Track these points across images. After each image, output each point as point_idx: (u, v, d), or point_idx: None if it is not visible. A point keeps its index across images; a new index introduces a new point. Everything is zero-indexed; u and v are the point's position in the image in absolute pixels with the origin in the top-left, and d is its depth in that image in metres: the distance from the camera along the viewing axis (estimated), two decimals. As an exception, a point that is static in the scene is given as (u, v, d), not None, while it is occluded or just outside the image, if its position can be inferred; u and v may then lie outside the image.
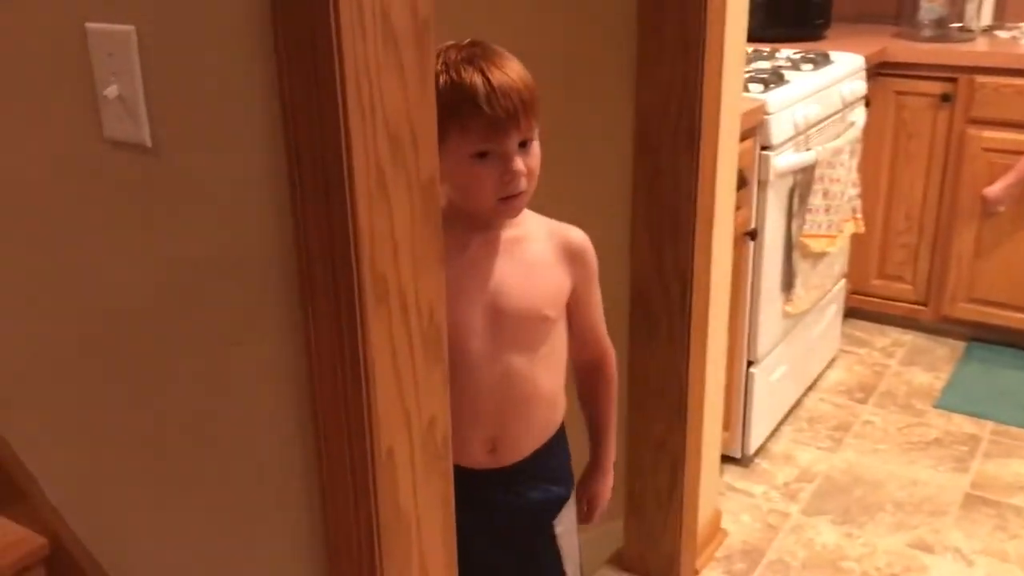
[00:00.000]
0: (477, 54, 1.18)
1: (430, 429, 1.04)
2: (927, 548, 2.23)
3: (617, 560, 2.18)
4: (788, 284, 2.55)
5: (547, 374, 1.33)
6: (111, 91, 1.00)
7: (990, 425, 2.72)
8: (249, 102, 0.91)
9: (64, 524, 1.38)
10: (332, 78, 0.84)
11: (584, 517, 1.53)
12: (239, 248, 0.99)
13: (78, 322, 1.22)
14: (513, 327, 1.28)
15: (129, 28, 0.97)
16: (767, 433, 2.66)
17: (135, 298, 1.13)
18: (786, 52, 2.85)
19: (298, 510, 1.07)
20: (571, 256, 1.33)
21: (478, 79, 1.15)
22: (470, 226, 1.26)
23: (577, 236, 1.34)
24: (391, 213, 0.91)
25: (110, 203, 1.10)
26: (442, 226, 1.10)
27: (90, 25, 1.01)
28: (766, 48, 2.91)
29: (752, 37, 3.06)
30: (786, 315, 2.58)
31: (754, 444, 2.58)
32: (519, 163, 1.18)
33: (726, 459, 2.54)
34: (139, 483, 1.26)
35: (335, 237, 0.89)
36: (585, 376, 1.47)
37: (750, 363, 2.49)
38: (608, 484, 1.53)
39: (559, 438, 1.40)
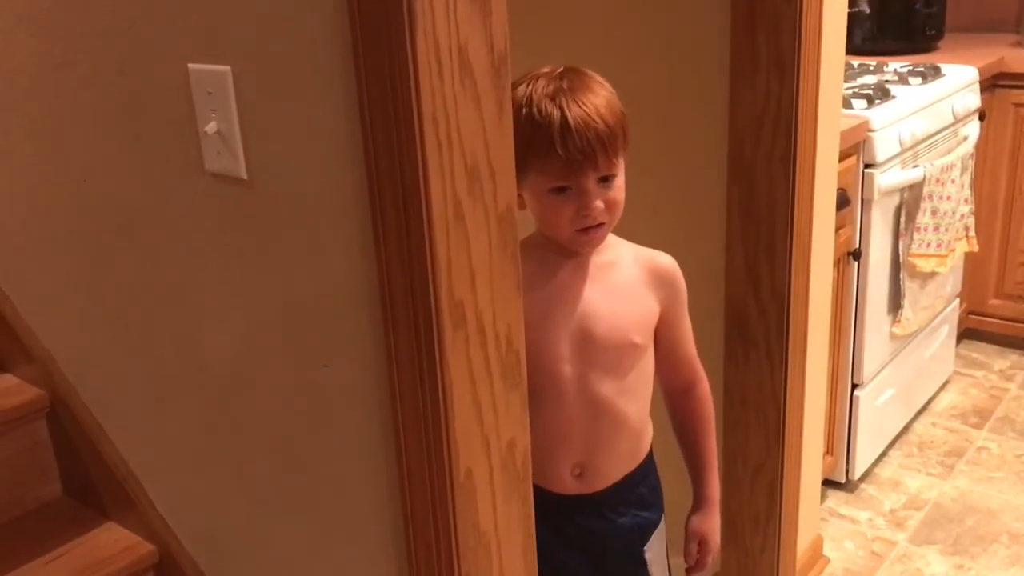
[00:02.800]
0: (563, 88, 1.17)
1: (509, 451, 1.05)
2: (1046, 583, 2.12)
3: (714, 584, 2.15)
4: (895, 305, 2.47)
5: (634, 401, 1.33)
6: (211, 127, 1.06)
7: (1118, 454, 2.57)
8: (334, 138, 0.96)
9: (171, 533, 1.45)
10: (410, 114, 0.87)
11: (697, 563, 1.46)
12: (325, 276, 1.04)
13: (177, 345, 1.29)
14: (601, 353, 1.28)
15: (226, 68, 1.03)
16: (874, 458, 2.58)
17: (232, 323, 1.19)
18: (894, 66, 2.77)
19: (381, 529, 1.10)
20: (659, 281, 1.33)
21: (556, 116, 1.15)
22: (559, 252, 1.27)
23: (665, 261, 1.34)
24: (468, 243, 0.94)
25: (210, 232, 1.16)
26: (531, 251, 1.13)
27: (192, 66, 1.07)
28: (873, 62, 2.84)
29: (859, 51, 3.01)
30: (894, 337, 2.50)
31: (859, 469, 2.50)
32: (596, 201, 1.18)
33: (830, 484, 2.48)
34: (235, 499, 1.32)
35: (414, 266, 0.92)
36: (678, 403, 1.44)
37: (855, 386, 2.42)
38: (716, 522, 1.46)
39: (647, 463, 1.40)
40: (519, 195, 1.19)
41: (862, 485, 2.53)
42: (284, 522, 1.26)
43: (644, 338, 1.32)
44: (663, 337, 1.36)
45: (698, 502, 1.46)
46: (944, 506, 2.42)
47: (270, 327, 1.14)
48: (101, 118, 1.24)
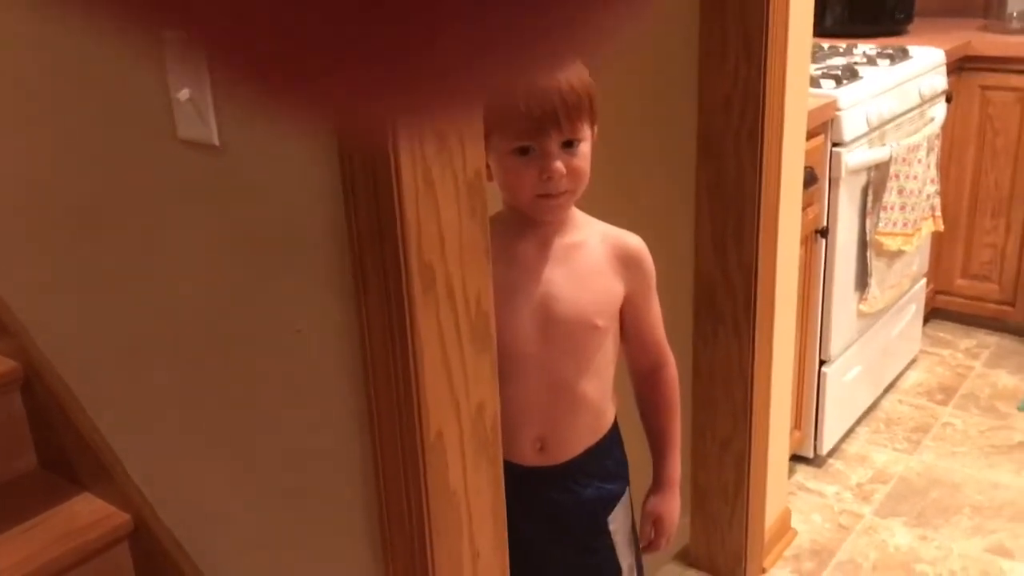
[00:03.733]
0: None
1: (479, 414, 1.08)
2: (1006, 553, 2.18)
3: (683, 556, 2.19)
4: (863, 283, 2.52)
5: (595, 382, 1.34)
6: (183, 94, 1.08)
7: (1078, 430, 2.63)
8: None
9: (147, 502, 1.47)
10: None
11: (651, 543, 1.47)
12: (297, 242, 1.06)
13: (150, 313, 1.31)
14: (562, 334, 1.29)
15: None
16: (841, 433, 2.62)
17: (205, 291, 1.20)
18: (863, 48, 2.81)
19: (353, 490, 1.13)
20: (626, 263, 1.33)
21: None
22: (524, 231, 1.28)
23: (632, 241, 1.34)
24: (437, 207, 0.96)
25: (182, 199, 1.18)
26: (497, 229, 1.14)
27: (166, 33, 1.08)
28: (843, 44, 2.88)
29: (830, 33, 3.05)
30: (861, 314, 2.55)
31: (827, 444, 2.55)
32: (558, 163, 1.18)
33: (798, 459, 2.53)
34: (209, 466, 1.34)
35: (384, 229, 0.95)
36: (643, 386, 1.44)
37: (823, 362, 2.47)
38: (675, 505, 1.46)
39: (610, 437, 1.42)
40: (486, 165, 1.20)
41: (830, 460, 2.58)
42: (258, 487, 1.28)
43: (607, 320, 1.33)
44: (629, 319, 1.37)
45: (657, 483, 1.47)
46: (909, 480, 2.48)
47: (242, 293, 1.16)
48: (74, 87, 1.25)
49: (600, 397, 1.36)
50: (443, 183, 0.97)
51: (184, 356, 1.29)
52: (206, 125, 1.08)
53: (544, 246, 1.28)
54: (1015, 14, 3.11)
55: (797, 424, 2.44)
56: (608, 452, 1.41)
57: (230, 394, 1.25)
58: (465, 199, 0.99)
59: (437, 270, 0.98)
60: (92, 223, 1.34)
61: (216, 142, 1.08)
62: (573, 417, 1.34)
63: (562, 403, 1.32)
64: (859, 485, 2.47)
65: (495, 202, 1.19)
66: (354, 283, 1.00)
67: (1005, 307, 3.12)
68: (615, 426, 1.42)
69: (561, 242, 1.29)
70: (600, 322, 1.31)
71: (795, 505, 2.36)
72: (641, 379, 1.44)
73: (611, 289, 1.32)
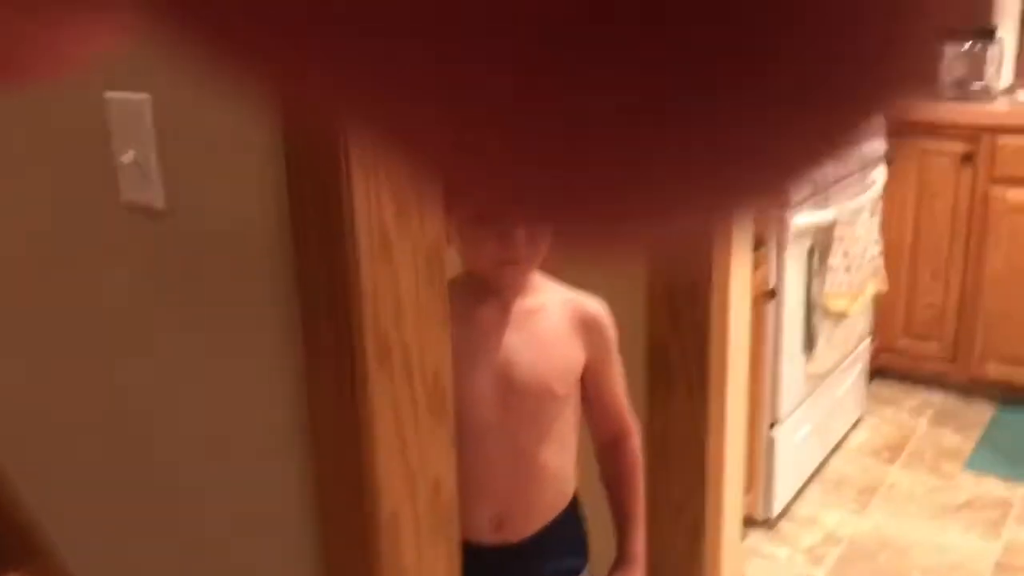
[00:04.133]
0: None
1: (435, 491, 1.03)
2: (958, 616, 2.17)
3: (637, 626, 2.13)
4: (810, 344, 2.53)
5: (556, 452, 1.29)
6: (128, 157, 1.03)
7: (1021, 490, 2.65)
8: (256, 166, 0.93)
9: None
10: (336, 139, 0.86)
11: None
12: (247, 308, 1.01)
13: (90, 382, 1.24)
14: (522, 402, 1.26)
15: (144, 96, 1.00)
16: (792, 495, 2.61)
17: (150, 356, 1.14)
18: (805, 112, 2.86)
19: (302, 570, 1.06)
20: (586, 327, 1.30)
21: None
22: (483, 295, 1.25)
23: (593, 306, 1.31)
24: (395, 275, 0.92)
25: (126, 263, 1.12)
26: (454, 294, 1.10)
27: (109, 94, 1.04)
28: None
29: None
30: (809, 375, 2.55)
31: (778, 506, 2.53)
32: (518, 232, 1.15)
33: (749, 522, 2.50)
34: (148, 540, 1.26)
35: (337, 298, 0.90)
36: (606, 455, 1.40)
37: (772, 424, 2.46)
38: None
39: (571, 511, 1.37)
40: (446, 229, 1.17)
41: (781, 522, 2.56)
42: (201, 570, 1.21)
43: (566, 388, 1.29)
44: (590, 386, 1.33)
45: (620, 558, 1.41)
46: (860, 542, 2.46)
47: (189, 359, 1.10)
48: (18, 148, 1.19)
49: (561, 468, 1.32)
50: (401, 250, 0.93)
51: (122, 431, 1.22)
52: (150, 188, 1.03)
53: (503, 311, 1.25)
54: (950, 82, 3.21)
55: (749, 486, 2.42)
56: (568, 527, 1.36)
57: (171, 471, 1.18)
58: (424, 267, 0.96)
59: (393, 342, 0.93)
60: (35, 287, 1.27)
61: (161, 205, 1.03)
62: (533, 490, 1.30)
63: (521, 475, 1.28)
64: (811, 548, 2.45)
65: (454, 263, 1.15)
66: (306, 355, 0.95)
67: (946, 365, 3.16)
68: (575, 499, 1.38)
69: (521, 306, 1.26)
70: (560, 390, 1.27)
71: (748, 570, 2.33)
72: (603, 449, 1.40)
73: (571, 355, 1.29)
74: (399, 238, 0.93)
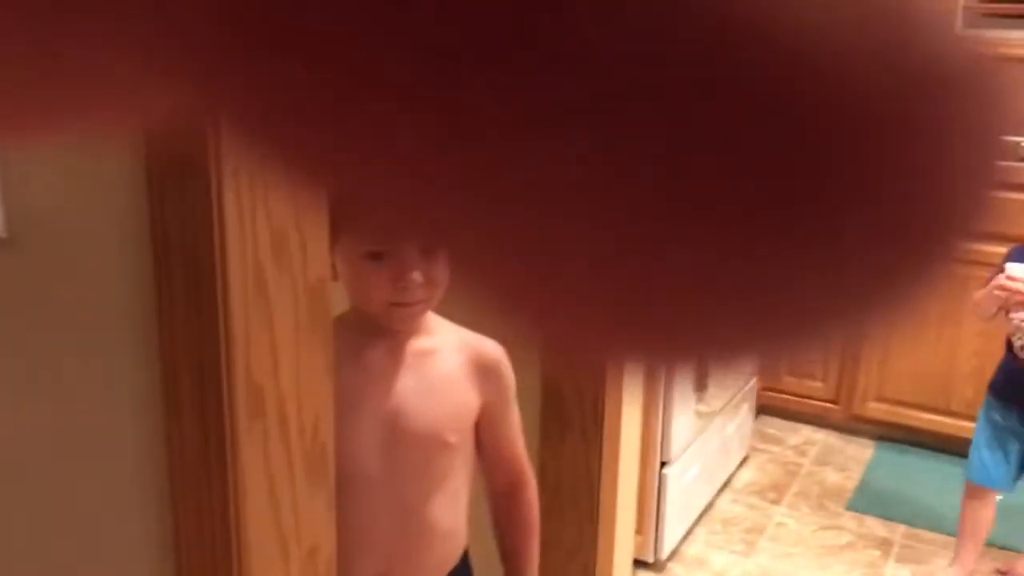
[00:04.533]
0: None
1: (311, 558, 0.92)
2: (843, 660, 2.16)
3: (524, 678, 2.04)
4: (701, 383, 2.50)
5: (446, 505, 1.20)
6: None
7: (901, 528, 2.69)
8: (113, 190, 0.81)
9: None
10: (205, 164, 0.75)
11: None
12: (97, 351, 0.88)
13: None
14: (410, 452, 1.16)
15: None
16: (681, 536, 2.57)
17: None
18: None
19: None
20: (483, 372, 1.21)
21: None
22: (373, 334, 1.14)
23: (491, 349, 1.22)
24: (271, 318, 0.82)
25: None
26: (342, 332, 0.99)
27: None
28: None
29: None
30: (699, 414, 2.53)
31: (667, 548, 2.49)
32: (415, 272, 1.06)
33: (639, 564, 2.45)
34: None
35: (204, 345, 0.79)
36: (500, 505, 1.32)
37: (663, 464, 2.42)
38: None
39: (462, 567, 1.28)
40: (331, 263, 1.07)
41: (670, 564, 2.52)
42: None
43: (460, 437, 1.20)
44: (485, 434, 1.24)
45: None
46: (747, 584, 2.44)
47: (37, 412, 0.95)
48: None
49: (451, 524, 1.22)
50: (279, 289, 0.82)
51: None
52: (-15, 209, 0.89)
53: (394, 353, 1.15)
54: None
55: (639, 528, 2.37)
56: (458, 583, 1.26)
57: (10, 540, 1.03)
58: (305, 308, 0.85)
59: (268, 394, 0.82)
60: None
61: (3, 234, 0.90)
62: (421, 548, 1.19)
63: (409, 532, 1.17)
64: (699, 591, 2.41)
65: (340, 300, 1.05)
66: (166, 409, 0.83)
67: (829, 405, 3.20)
68: (466, 554, 1.28)
69: (413, 348, 1.16)
70: (452, 438, 1.18)
71: (637, 615, 2.28)
72: (498, 498, 1.31)
73: (466, 401, 1.20)
74: (276, 275, 0.82)
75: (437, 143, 0.11)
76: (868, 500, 2.84)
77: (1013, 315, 2.17)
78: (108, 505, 0.92)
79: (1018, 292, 2.10)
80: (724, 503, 2.82)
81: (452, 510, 1.21)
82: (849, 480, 2.96)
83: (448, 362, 1.18)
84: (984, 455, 2.34)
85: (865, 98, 0.11)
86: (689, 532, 2.64)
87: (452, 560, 1.24)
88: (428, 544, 1.20)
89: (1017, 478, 2.35)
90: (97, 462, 0.91)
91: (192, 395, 0.81)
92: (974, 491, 2.38)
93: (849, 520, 2.74)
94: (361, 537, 1.15)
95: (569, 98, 0.10)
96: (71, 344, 0.89)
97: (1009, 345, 2.27)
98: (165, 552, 0.89)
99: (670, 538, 2.49)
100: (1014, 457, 2.32)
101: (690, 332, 0.12)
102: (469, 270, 0.12)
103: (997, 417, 2.32)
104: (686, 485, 2.53)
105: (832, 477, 2.99)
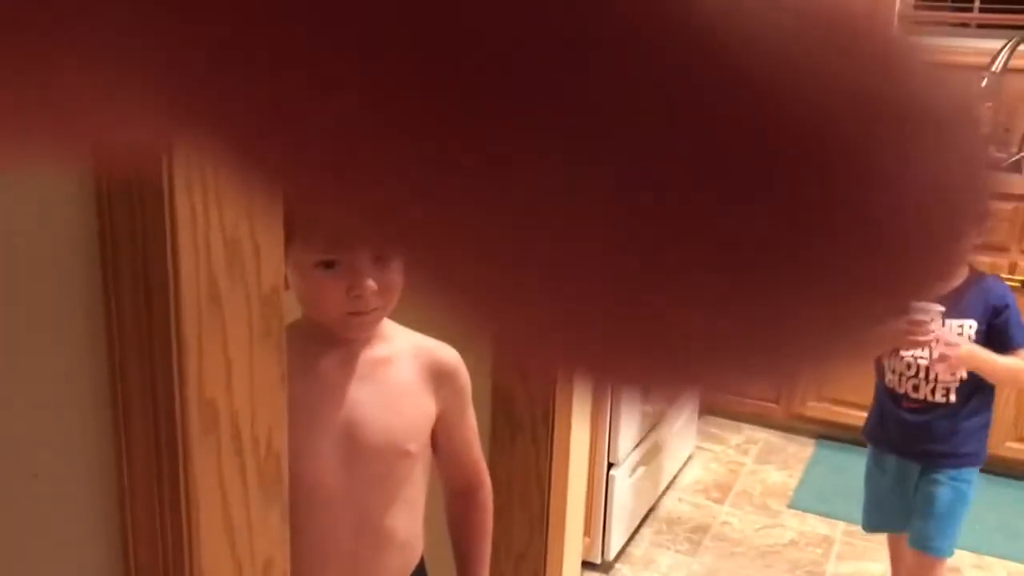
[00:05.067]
0: None
1: (266, 573, 0.90)
2: (787, 657, 2.19)
3: None
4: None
5: (404, 515, 1.19)
6: None
7: (841, 526, 2.74)
8: (62, 198, 0.78)
9: None
10: (158, 172, 0.73)
11: None
12: (38, 364, 0.84)
13: None
14: (369, 463, 1.13)
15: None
16: (627, 536, 2.59)
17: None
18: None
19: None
20: (439, 379, 1.20)
21: None
22: (326, 343, 1.12)
23: (447, 354, 1.20)
24: (224, 329, 0.79)
25: None
26: (294, 341, 0.97)
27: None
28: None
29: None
30: (645, 415, 2.55)
31: (614, 548, 2.50)
32: (369, 281, 1.04)
33: (586, 565, 2.46)
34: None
35: (155, 357, 0.76)
36: (455, 506, 1.31)
37: (611, 465, 2.43)
38: None
39: (418, 575, 1.27)
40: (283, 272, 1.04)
41: (617, 565, 2.53)
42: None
43: (420, 445, 1.18)
44: (442, 438, 1.23)
45: None
46: (693, 584, 2.47)
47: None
48: None
49: (409, 532, 1.20)
50: (232, 299, 0.80)
51: None
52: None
53: (348, 362, 1.12)
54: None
55: (586, 529, 2.38)
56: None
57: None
58: (259, 318, 0.83)
59: (221, 406, 0.80)
60: None
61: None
62: (379, 558, 1.18)
63: (367, 543, 1.16)
64: (646, 591, 2.43)
65: (292, 309, 1.02)
66: (113, 423, 0.80)
67: (770, 404, 3.25)
68: (422, 562, 1.27)
69: (368, 357, 1.14)
70: (412, 447, 1.16)
71: (585, 617, 2.28)
72: (454, 500, 1.31)
73: (424, 410, 1.18)
74: (229, 285, 0.80)
75: (402, 155, 0.11)
76: (809, 498, 2.89)
77: (904, 352, 1.91)
78: (58, 522, 0.88)
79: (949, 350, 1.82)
80: (670, 502, 2.85)
81: (410, 518, 1.20)
82: (791, 479, 3.01)
83: (404, 370, 1.17)
84: (871, 502, 2.11)
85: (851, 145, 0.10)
86: (635, 532, 2.66)
87: (408, 568, 1.23)
88: (387, 554, 1.18)
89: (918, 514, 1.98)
90: (46, 482, 0.88)
91: (143, 410, 0.79)
92: (891, 541, 2.12)
93: (791, 519, 2.78)
94: (319, 550, 1.12)
95: (546, 121, 0.10)
96: (17, 358, 0.86)
97: (880, 372, 1.99)
98: (116, 569, 0.86)
99: (617, 539, 2.51)
100: (896, 501, 2.02)
101: (695, 364, 0.13)
102: (430, 279, 0.12)
103: (875, 466, 2.06)
104: (632, 485, 2.54)
105: (774, 476, 3.03)
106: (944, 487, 1.93)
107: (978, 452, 1.95)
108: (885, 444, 2.01)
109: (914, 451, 1.95)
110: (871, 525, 2.14)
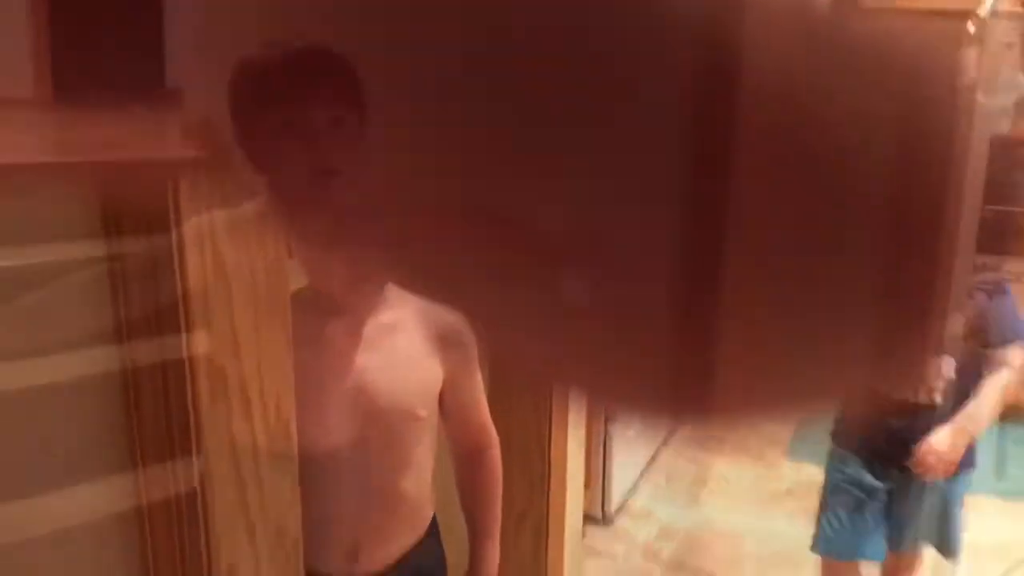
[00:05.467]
0: None
1: (278, 539, 0.91)
2: (788, 603, 2.23)
3: (480, 637, 2.06)
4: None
5: (414, 477, 1.19)
6: None
7: (838, 473, 2.78)
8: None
9: None
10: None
11: None
12: (52, 330, 0.84)
13: None
14: (379, 429, 1.13)
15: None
16: (627, 490, 2.62)
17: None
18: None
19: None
20: (445, 342, 1.19)
21: None
22: (331, 311, 1.11)
23: (451, 317, 1.18)
24: (231, 298, 0.80)
25: None
26: (299, 311, 0.96)
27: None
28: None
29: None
30: (643, 370, 2.57)
31: (615, 502, 2.53)
32: (373, 251, 1.01)
33: (587, 519, 2.49)
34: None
35: (162, 327, 0.77)
36: (465, 467, 1.32)
37: (609, 418, 2.45)
38: None
39: (430, 535, 1.28)
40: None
41: (617, 518, 2.56)
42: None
43: (429, 409, 1.19)
44: (450, 401, 1.23)
45: (473, 573, 1.33)
46: (694, 534, 2.50)
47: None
48: None
49: (419, 494, 1.21)
50: (238, 268, 0.80)
51: None
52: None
53: (355, 329, 1.12)
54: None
55: (587, 484, 2.40)
56: (427, 552, 1.26)
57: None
58: (264, 286, 0.83)
59: (230, 374, 0.81)
60: None
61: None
62: (390, 519, 1.19)
63: (378, 505, 1.16)
64: (647, 543, 2.46)
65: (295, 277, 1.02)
66: (123, 393, 0.81)
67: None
68: (434, 521, 1.28)
69: (373, 324, 1.13)
70: (421, 411, 1.16)
71: (587, 567, 2.31)
72: (463, 461, 1.32)
73: (431, 374, 1.19)
74: (235, 255, 0.80)
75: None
76: (805, 448, 2.92)
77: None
78: (74, 491, 0.89)
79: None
80: (667, 456, 2.88)
81: (419, 482, 1.21)
82: (785, 429, 3.04)
83: (410, 335, 1.17)
84: (839, 520, 1.88)
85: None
86: (635, 486, 2.69)
87: (419, 529, 1.25)
88: (397, 516, 1.19)
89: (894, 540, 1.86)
90: (59, 453, 0.89)
91: (151, 377, 0.79)
92: (834, 570, 1.91)
93: (788, 468, 2.82)
94: (330, 515, 1.13)
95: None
96: (32, 332, 0.86)
97: None
98: (132, 536, 0.87)
99: (618, 492, 2.54)
100: (872, 517, 1.85)
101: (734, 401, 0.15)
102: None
103: (842, 471, 1.88)
104: (631, 439, 2.57)
105: (769, 426, 3.06)
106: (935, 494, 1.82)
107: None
108: (857, 450, 1.87)
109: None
110: (839, 553, 1.89)
